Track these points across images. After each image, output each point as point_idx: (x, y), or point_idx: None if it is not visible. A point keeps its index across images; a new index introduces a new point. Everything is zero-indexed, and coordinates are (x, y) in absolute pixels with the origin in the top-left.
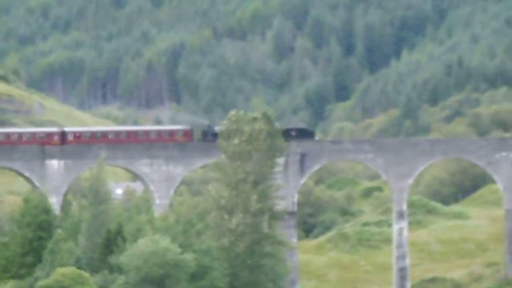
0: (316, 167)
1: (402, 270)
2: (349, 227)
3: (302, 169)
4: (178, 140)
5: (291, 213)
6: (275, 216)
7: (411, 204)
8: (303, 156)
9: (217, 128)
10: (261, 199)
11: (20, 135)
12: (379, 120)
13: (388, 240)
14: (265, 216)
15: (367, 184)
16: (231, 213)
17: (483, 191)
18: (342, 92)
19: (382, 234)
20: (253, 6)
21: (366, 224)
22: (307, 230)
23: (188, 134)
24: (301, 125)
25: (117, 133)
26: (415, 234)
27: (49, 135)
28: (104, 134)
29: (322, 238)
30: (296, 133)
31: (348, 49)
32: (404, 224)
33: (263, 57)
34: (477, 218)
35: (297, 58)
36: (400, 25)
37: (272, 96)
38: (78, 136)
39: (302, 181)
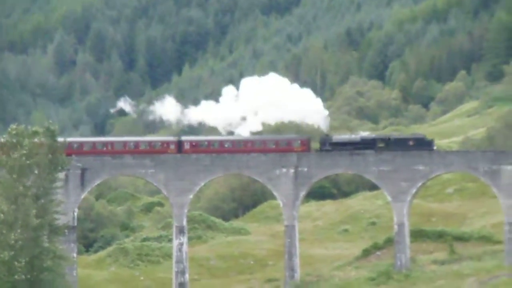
0: (97, 181)
1: (181, 286)
2: (129, 242)
3: (82, 183)
4: (295, 150)
5: (71, 228)
6: (55, 231)
7: (191, 219)
8: (83, 171)
9: (335, 138)
10: (41, 213)
11: None
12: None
13: (168, 255)
14: (45, 231)
15: (147, 199)
16: (11, 228)
17: (263, 207)
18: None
19: (162, 249)
20: (34, 19)
21: (146, 239)
22: (88, 244)
23: (305, 143)
24: (419, 135)
25: (233, 142)
26: (195, 249)
27: None
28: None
29: (102, 253)
30: (414, 143)
31: (130, 64)
32: (184, 239)
33: (44, 70)
34: (257, 234)
35: (79, 72)
36: (181, 40)
37: (53, 110)
38: None
39: (83, 195)
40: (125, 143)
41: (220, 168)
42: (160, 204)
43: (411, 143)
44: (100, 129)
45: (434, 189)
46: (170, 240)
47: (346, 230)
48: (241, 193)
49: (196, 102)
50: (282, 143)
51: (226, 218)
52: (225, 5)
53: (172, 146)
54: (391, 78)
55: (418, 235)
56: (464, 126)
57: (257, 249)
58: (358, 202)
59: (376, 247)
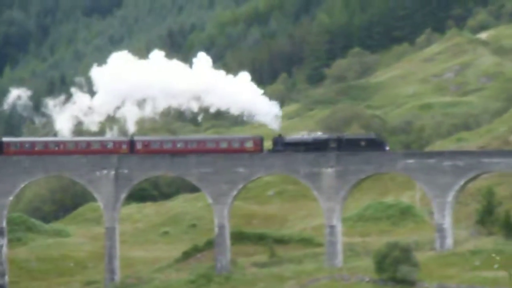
0: None
1: None
2: None
3: None
4: (248, 150)
5: None
6: None
7: (11, 221)
8: None
9: (288, 138)
10: None
11: None
12: None
13: None
14: None
15: None
16: None
17: (83, 209)
18: None
19: None
20: None
21: None
22: None
23: (258, 143)
24: (372, 135)
25: (185, 142)
26: (14, 251)
27: None
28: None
29: None
30: (366, 143)
31: None
32: (4, 241)
33: None
34: (77, 236)
35: None
36: (3, 42)
37: None
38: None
39: None
40: (77, 143)
41: (41, 170)
42: None
43: (363, 143)
44: None
45: (255, 191)
46: None
47: (166, 232)
48: (62, 195)
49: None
50: (234, 143)
51: (46, 220)
52: (46, 6)
53: (124, 146)
54: None
55: (238, 237)
56: (284, 129)
57: (77, 251)
58: (179, 204)
59: (196, 250)
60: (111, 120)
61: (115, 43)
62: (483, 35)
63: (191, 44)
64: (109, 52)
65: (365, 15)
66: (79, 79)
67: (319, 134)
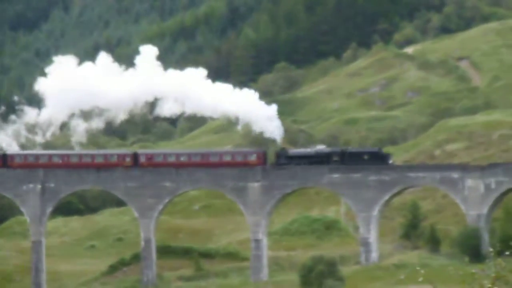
0: None
1: None
2: None
3: None
4: (251, 163)
5: None
6: None
7: None
8: None
9: (291, 151)
10: None
11: None
12: None
13: None
14: None
15: None
16: None
17: (10, 222)
18: None
19: None
20: None
21: None
22: None
23: (261, 157)
24: (374, 148)
25: (189, 155)
26: None
27: None
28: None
29: None
30: (369, 157)
31: None
32: None
33: None
34: (4, 250)
35: None
36: None
37: None
38: None
39: None
40: (80, 156)
41: None
42: None
43: (366, 157)
44: None
45: (181, 205)
46: None
47: (93, 246)
48: None
49: None
50: (238, 157)
51: None
52: None
53: (128, 159)
54: None
55: (164, 251)
56: (211, 143)
57: (4, 264)
58: (105, 218)
59: (122, 263)
60: (56, 137)
61: (42, 57)
62: (409, 50)
63: (118, 58)
64: (36, 67)
65: (291, 30)
66: (34, 92)
67: (322, 148)
